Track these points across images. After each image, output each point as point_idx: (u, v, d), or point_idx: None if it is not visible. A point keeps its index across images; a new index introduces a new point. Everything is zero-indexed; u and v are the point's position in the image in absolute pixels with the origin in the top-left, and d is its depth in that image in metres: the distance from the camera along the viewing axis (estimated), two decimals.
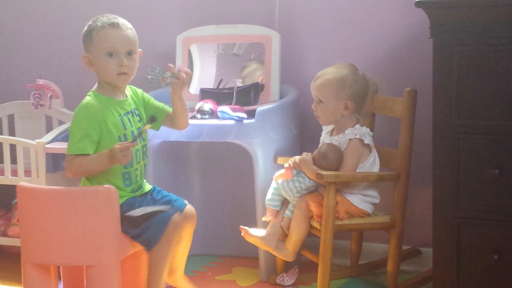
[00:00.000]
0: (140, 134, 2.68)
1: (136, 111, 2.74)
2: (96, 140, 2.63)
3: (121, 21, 2.70)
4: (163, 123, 2.81)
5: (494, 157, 2.50)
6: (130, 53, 2.68)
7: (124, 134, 2.68)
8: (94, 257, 2.55)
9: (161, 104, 2.82)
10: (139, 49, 2.73)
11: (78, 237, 2.54)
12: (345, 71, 2.94)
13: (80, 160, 2.62)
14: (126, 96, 2.75)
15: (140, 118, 2.75)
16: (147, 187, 2.81)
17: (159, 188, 2.82)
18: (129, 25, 2.71)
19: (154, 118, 2.73)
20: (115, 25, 2.67)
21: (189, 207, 2.76)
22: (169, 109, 2.81)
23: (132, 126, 2.70)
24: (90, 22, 2.70)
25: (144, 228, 2.60)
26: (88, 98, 2.69)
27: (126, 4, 3.54)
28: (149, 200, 2.70)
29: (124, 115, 2.70)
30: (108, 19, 2.68)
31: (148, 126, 2.74)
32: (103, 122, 2.65)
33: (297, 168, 2.93)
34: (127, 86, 2.78)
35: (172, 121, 2.81)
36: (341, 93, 2.92)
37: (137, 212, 2.62)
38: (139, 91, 2.82)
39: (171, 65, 2.72)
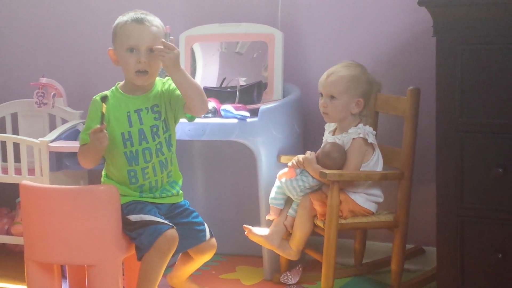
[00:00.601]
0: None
1: (155, 107, 2.68)
2: None
3: (149, 17, 2.63)
4: (185, 111, 2.66)
5: (498, 156, 2.49)
6: (152, 51, 2.60)
7: (129, 131, 2.65)
8: (95, 256, 2.55)
9: (178, 94, 2.66)
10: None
11: (79, 236, 2.54)
12: (358, 69, 2.96)
13: (81, 149, 2.67)
14: (148, 91, 2.68)
15: (159, 115, 2.67)
16: (175, 199, 2.74)
17: (192, 209, 2.75)
18: (156, 22, 2.64)
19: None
20: (138, 21, 2.61)
21: (212, 241, 2.75)
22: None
23: (142, 124, 2.66)
24: (120, 16, 2.67)
25: (137, 234, 2.59)
26: (101, 92, 2.69)
27: (129, 2, 3.53)
28: (150, 209, 2.64)
29: (135, 112, 2.66)
30: (135, 13, 2.63)
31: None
32: (107, 117, 2.63)
33: (300, 167, 2.92)
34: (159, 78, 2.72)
35: (187, 106, 2.63)
36: (355, 90, 2.93)
37: (134, 217, 2.61)
38: (167, 83, 2.69)
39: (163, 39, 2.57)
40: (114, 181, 2.68)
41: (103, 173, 2.74)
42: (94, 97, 2.69)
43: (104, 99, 2.58)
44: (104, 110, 2.56)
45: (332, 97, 2.94)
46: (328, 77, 2.96)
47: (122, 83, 2.73)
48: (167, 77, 2.72)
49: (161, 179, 2.71)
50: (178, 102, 2.65)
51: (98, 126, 2.55)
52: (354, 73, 2.95)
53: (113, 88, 2.72)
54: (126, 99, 2.68)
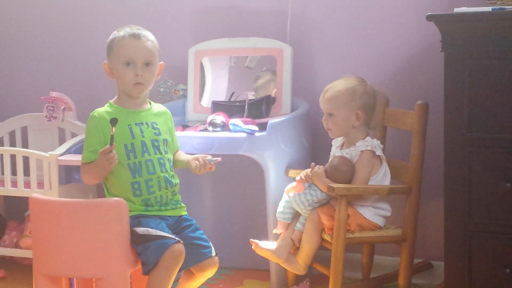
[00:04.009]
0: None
1: (154, 124, 2.74)
2: (99, 148, 2.64)
3: (144, 33, 2.72)
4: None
5: (506, 171, 2.49)
6: (147, 64, 2.69)
7: (132, 143, 2.67)
8: (103, 269, 2.55)
9: (175, 138, 2.84)
10: (161, 62, 2.75)
11: (88, 249, 2.54)
12: (354, 82, 2.96)
13: (85, 168, 2.69)
14: (145, 109, 2.75)
15: (159, 131, 2.73)
16: (179, 211, 2.76)
17: (197, 226, 2.75)
18: (151, 38, 2.73)
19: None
20: (135, 36, 2.70)
21: (215, 259, 2.73)
22: (177, 146, 2.83)
23: (143, 136, 2.69)
24: (115, 31, 2.74)
25: (143, 249, 2.58)
26: (98, 109, 2.73)
27: (139, 17, 3.56)
28: (158, 222, 2.64)
29: (136, 125, 2.70)
30: (131, 29, 2.72)
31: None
32: (108, 131, 2.65)
33: (309, 181, 2.93)
34: (160, 105, 2.82)
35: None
36: (352, 103, 2.93)
37: (141, 230, 2.61)
38: (170, 115, 2.83)
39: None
40: (117, 196, 2.69)
41: (105, 189, 2.75)
42: (91, 114, 2.72)
43: (113, 121, 2.61)
44: (113, 132, 2.60)
45: (331, 114, 2.95)
46: (325, 94, 2.98)
47: (115, 99, 2.77)
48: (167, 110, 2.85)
49: (166, 194, 2.72)
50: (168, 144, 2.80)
51: (108, 146, 2.58)
52: (350, 86, 2.95)
53: (107, 105, 2.75)
54: (125, 113, 2.72)
